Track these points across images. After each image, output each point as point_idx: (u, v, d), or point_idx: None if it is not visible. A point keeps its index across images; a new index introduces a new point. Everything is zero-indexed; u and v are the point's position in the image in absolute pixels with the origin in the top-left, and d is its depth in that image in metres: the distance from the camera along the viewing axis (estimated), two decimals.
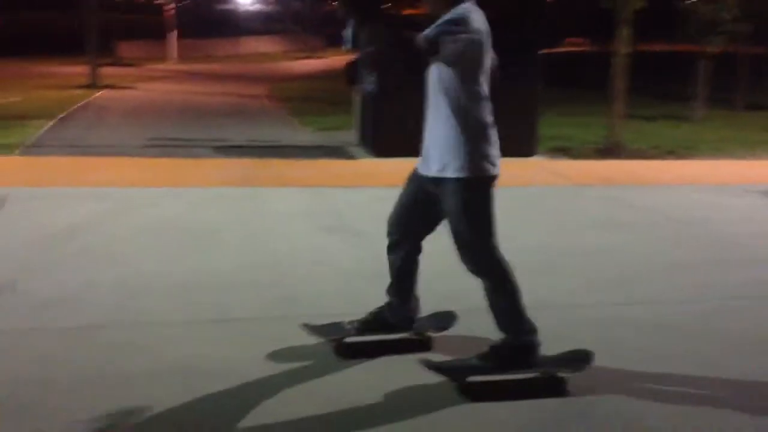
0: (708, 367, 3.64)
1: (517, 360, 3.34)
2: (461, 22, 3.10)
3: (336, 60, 34.80)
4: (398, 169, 8.71)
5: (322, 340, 3.68)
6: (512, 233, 5.90)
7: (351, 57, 11.39)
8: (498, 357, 3.34)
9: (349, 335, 3.67)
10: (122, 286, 4.48)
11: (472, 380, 3.30)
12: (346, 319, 3.78)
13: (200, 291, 4.46)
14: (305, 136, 12.52)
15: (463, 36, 3.09)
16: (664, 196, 7.69)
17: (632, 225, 6.43)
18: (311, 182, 7.82)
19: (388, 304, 3.66)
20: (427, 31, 3.11)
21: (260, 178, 8.00)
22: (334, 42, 44.39)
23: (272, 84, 24.85)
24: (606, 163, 10.05)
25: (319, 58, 43.48)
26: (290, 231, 5.90)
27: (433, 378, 3.32)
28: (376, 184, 7.67)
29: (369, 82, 9.94)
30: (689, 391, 3.41)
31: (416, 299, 3.67)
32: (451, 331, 3.79)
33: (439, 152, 3.26)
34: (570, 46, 41.35)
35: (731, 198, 7.68)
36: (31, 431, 2.86)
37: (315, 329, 3.72)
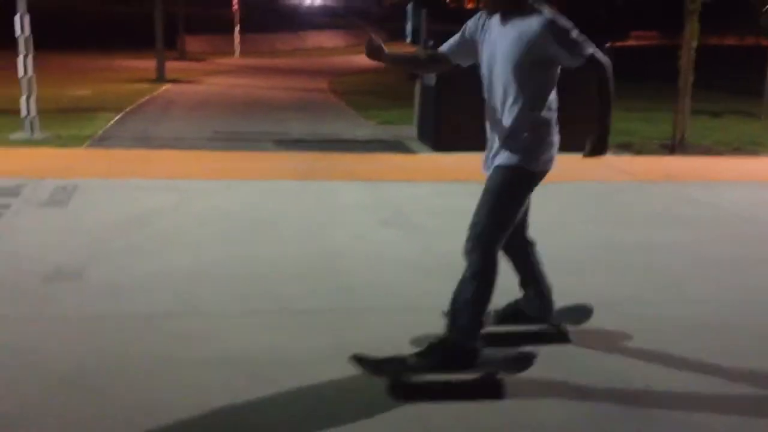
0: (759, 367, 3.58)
1: (459, 361, 3.24)
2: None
3: None
4: (457, 164, 8.77)
5: (381, 333, 3.72)
6: (569, 228, 5.88)
7: (412, 51, 11.43)
8: (440, 355, 3.25)
9: (487, 325, 3.69)
10: (186, 275, 4.60)
11: (405, 379, 3.23)
12: (406, 312, 3.82)
13: (263, 281, 4.55)
14: (366, 130, 12.58)
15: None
16: (729, 194, 7.51)
17: (694, 222, 6.30)
18: (370, 176, 7.87)
19: (524, 297, 3.71)
20: (583, 51, 3.14)
21: (320, 171, 8.09)
22: (395, 36, 44.45)
23: (335, 78, 24.98)
24: (670, 159, 9.86)
25: None
26: (349, 223, 5.96)
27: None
28: (435, 179, 7.68)
29: (429, 77, 9.94)
30: (743, 393, 3.36)
31: (549, 290, 3.69)
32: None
33: (498, 149, 3.29)
34: (639, 40, 40.56)
35: None
36: (96, 416, 2.98)
37: None
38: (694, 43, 10.56)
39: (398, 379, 3.22)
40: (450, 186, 7.37)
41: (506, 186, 3.23)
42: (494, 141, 3.34)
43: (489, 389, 3.21)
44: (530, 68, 3.19)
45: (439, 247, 5.37)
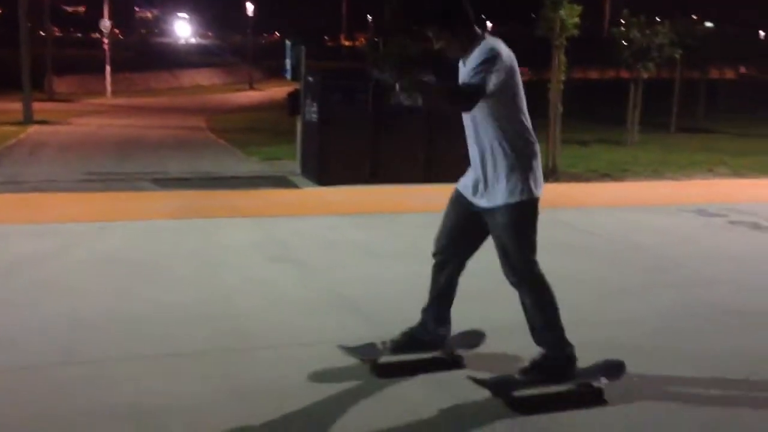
0: (657, 384, 3.73)
1: (558, 372, 3.45)
2: (496, 56, 3.23)
3: (276, 91, 34.80)
4: (341, 197, 8.81)
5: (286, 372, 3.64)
6: None
7: (292, 88, 11.43)
8: (540, 371, 3.44)
9: (383, 355, 3.73)
10: (65, 323, 4.36)
11: (519, 394, 3.39)
12: (300, 349, 3.77)
13: (150, 324, 4.37)
14: (248, 166, 12.47)
15: (501, 67, 3.24)
16: (602, 218, 7.85)
17: (571, 247, 6.52)
18: (255, 212, 7.78)
19: (422, 324, 3.74)
20: (470, 79, 3.21)
21: (204, 209, 7.93)
22: (273, 74, 44.42)
23: (213, 116, 24.71)
24: (544, 186, 10.23)
25: (258, 89, 43.46)
26: (237, 262, 5.84)
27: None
28: (321, 213, 7.66)
29: (311, 112, 9.98)
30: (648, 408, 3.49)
31: (448, 319, 3.75)
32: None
33: (490, 181, 3.40)
34: None
35: (667, 218, 7.89)
36: None
37: (350, 350, 3.78)
38: (562, 76, 11.06)
39: (510, 395, 3.39)
40: (335, 219, 7.38)
41: (519, 220, 3.41)
42: (480, 172, 3.43)
43: (589, 397, 3.43)
44: (497, 97, 3.28)
45: (327, 281, 5.35)
